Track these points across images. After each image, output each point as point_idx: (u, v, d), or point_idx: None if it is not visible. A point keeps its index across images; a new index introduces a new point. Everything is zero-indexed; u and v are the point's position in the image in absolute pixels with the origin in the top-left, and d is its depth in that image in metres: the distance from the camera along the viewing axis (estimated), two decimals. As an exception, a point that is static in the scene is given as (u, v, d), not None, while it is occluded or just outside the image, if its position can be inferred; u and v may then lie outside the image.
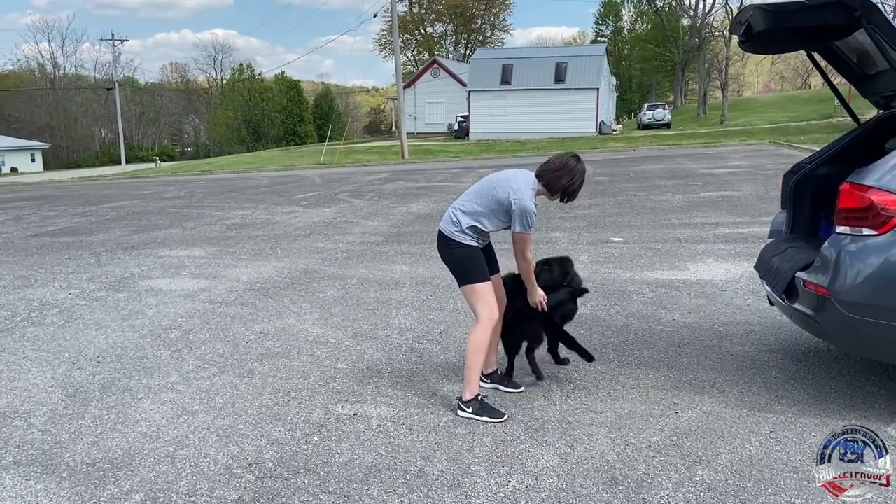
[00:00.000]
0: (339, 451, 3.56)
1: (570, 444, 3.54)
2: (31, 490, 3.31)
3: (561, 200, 3.90)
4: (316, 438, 3.72)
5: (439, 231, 3.95)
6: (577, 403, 4.01)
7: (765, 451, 3.38)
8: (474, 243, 3.86)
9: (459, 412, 3.87)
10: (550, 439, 3.59)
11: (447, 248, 3.90)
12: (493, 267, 4.07)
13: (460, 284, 3.92)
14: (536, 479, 3.22)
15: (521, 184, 3.77)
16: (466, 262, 3.85)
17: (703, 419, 3.75)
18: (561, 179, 3.78)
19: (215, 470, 3.42)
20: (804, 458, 3.28)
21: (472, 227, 3.84)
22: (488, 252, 4.05)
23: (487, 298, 3.84)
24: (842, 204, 3.60)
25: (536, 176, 3.84)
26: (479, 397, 3.88)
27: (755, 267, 4.80)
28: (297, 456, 3.53)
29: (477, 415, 3.82)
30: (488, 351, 4.03)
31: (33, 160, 66.33)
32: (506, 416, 3.83)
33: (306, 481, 3.28)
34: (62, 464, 3.54)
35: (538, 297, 4.02)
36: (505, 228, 3.89)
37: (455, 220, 3.88)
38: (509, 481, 3.21)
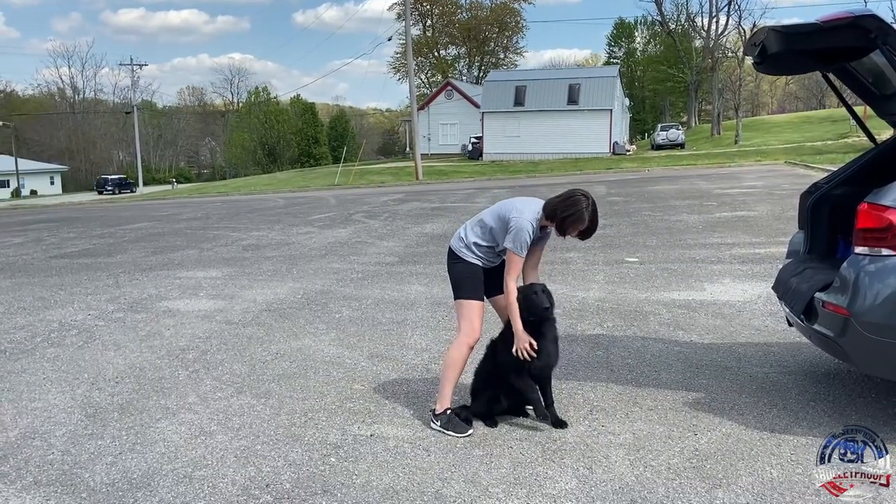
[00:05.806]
0: (356, 473, 3.56)
1: (588, 465, 3.52)
2: (51, 510, 3.34)
3: (560, 233, 3.86)
4: (333, 459, 3.72)
5: (449, 247, 4.16)
6: (594, 425, 3.99)
7: (786, 473, 3.34)
8: (476, 261, 4.02)
9: (431, 424, 4.02)
10: (568, 461, 3.57)
11: (451, 261, 4.11)
12: (499, 287, 4.09)
13: (454, 298, 4.11)
14: (555, 501, 3.20)
15: (526, 207, 3.90)
16: (463, 277, 4.04)
17: (722, 441, 3.72)
18: (558, 209, 3.80)
19: (233, 491, 3.43)
20: (826, 482, 3.24)
21: (478, 244, 4.00)
22: (498, 272, 4.08)
23: (472, 317, 4.00)
24: (860, 224, 3.59)
25: (543, 206, 3.90)
26: (448, 411, 3.99)
27: (773, 287, 4.77)
28: (314, 477, 3.53)
29: (444, 428, 3.95)
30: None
31: (52, 183, 67.44)
32: (470, 432, 3.90)
33: (324, 503, 3.28)
34: (82, 484, 3.56)
35: (523, 341, 3.84)
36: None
37: (463, 235, 4.08)
38: None
